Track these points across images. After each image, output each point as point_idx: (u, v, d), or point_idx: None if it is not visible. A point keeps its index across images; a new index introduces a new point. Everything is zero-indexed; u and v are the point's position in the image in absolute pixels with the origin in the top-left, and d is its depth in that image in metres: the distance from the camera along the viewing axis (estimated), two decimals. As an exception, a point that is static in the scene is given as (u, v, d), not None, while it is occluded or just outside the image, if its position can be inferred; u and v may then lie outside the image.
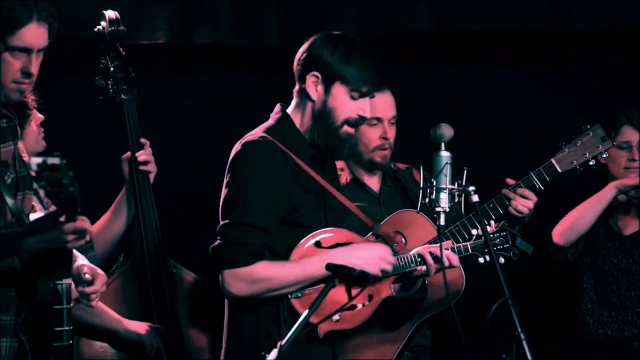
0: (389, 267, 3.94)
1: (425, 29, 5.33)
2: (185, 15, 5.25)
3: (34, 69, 3.38)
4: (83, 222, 3.15)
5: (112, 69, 4.47)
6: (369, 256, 3.90)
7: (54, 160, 2.97)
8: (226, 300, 3.98)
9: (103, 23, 4.44)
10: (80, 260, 3.52)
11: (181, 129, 5.54)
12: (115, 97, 4.48)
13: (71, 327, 3.33)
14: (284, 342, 3.28)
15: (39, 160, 2.97)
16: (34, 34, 3.35)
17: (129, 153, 4.47)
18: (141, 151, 4.45)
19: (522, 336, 3.44)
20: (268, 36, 5.34)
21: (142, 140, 4.48)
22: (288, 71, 4.21)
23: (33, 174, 3.39)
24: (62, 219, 3.10)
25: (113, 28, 4.43)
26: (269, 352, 3.28)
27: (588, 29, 5.33)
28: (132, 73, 4.50)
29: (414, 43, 5.51)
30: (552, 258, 5.19)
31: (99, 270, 3.55)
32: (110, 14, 4.44)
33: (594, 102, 5.59)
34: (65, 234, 3.14)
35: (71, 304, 3.32)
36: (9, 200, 3.33)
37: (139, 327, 4.29)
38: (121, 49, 4.50)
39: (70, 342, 3.35)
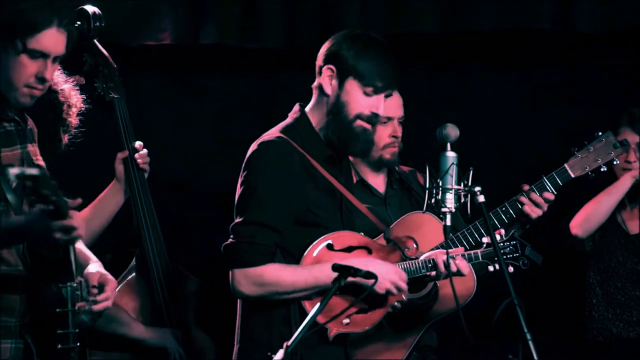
0: (394, 291, 3.90)
1: (431, 30, 5.33)
2: (190, 16, 5.24)
3: (49, 74, 3.39)
4: (73, 219, 3.15)
5: (100, 67, 4.36)
6: (382, 273, 3.81)
7: (32, 171, 2.95)
8: (238, 300, 3.97)
9: (84, 19, 4.29)
10: (93, 266, 3.54)
11: (186, 129, 5.54)
12: (105, 96, 4.37)
13: (77, 330, 3.33)
14: (290, 342, 3.29)
15: (16, 170, 2.95)
16: (53, 39, 3.36)
17: (126, 152, 4.39)
18: (140, 153, 4.41)
19: (529, 336, 3.44)
20: (273, 37, 5.33)
21: (137, 143, 4.40)
22: (293, 72, 4.21)
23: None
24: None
25: (97, 24, 4.29)
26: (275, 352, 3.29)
27: (593, 30, 5.33)
28: (117, 70, 4.40)
29: (420, 43, 5.50)
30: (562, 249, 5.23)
31: (109, 277, 3.55)
32: (93, 9, 4.29)
33: (599, 102, 5.58)
34: (54, 230, 3.15)
35: (76, 307, 3.31)
36: (11, 199, 3.33)
37: (160, 333, 4.28)
38: (99, 45, 4.38)
39: (78, 344, 3.35)
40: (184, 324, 4.42)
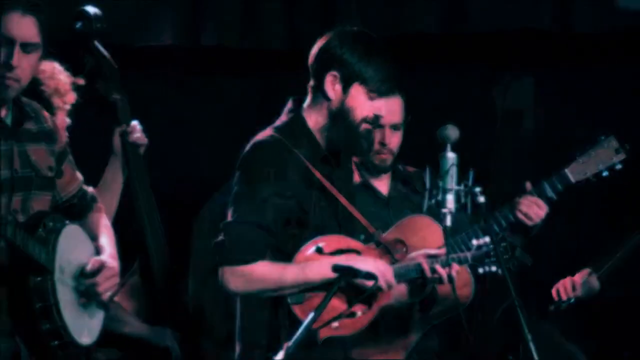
0: (384, 286, 3.89)
1: (431, 31, 5.34)
2: (191, 17, 5.26)
3: (16, 61, 3.37)
4: None
5: (101, 68, 4.33)
6: (370, 269, 3.80)
7: None
8: (238, 300, 3.98)
9: (85, 20, 4.28)
10: (105, 253, 3.56)
11: (187, 130, 5.56)
12: (108, 97, 4.34)
13: (65, 323, 3.33)
14: (290, 343, 3.29)
15: None
16: (17, 23, 3.37)
17: (124, 126, 4.32)
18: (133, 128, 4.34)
19: (529, 337, 3.44)
20: (274, 38, 5.35)
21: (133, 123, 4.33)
22: (293, 73, 4.20)
23: None
24: None
25: (98, 25, 4.27)
26: (275, 353, 3.29)
27: (593, 30, 5.33)
28: (118, 71, 4.36)
29: (420, 44, 5.51)
30: None
31: (109, 264, 3.53)
32: (94, 10, 4.26)
33: (600, 103, 5.59)
34: None
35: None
36: None
37: (161, 332, 4.27)
38: (100, 47, 4.35)
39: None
40: (185, 327, 4.41)
